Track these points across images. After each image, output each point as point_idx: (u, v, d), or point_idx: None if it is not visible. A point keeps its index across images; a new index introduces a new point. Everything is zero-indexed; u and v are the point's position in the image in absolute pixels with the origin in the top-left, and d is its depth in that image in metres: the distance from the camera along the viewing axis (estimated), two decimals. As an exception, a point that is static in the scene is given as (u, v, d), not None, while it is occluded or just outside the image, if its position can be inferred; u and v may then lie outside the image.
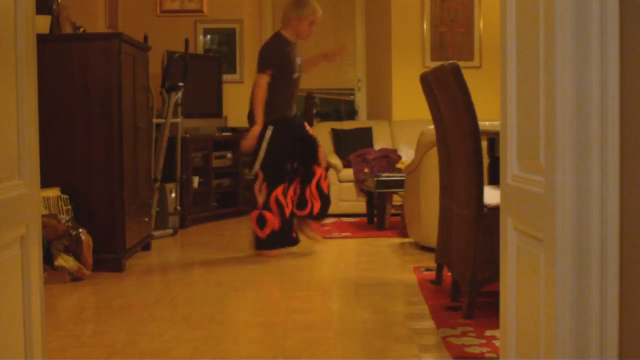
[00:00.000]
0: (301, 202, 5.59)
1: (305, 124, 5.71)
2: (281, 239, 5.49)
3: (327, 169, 5.69)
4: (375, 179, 6.67)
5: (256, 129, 5.39)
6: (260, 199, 5.40)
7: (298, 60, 5.52)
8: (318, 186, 5.55)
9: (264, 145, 5.39)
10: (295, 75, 5.50)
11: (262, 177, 5.41)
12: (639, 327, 1.59)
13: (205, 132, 7.59)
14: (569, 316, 1.67)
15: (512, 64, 2.07)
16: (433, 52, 8.35)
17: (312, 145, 5.57)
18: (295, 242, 5.60)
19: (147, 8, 8.23)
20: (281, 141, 5.43)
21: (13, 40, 2.03)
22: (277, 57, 5.43)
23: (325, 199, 5.61)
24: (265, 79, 5.35)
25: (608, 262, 1.65)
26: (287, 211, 5.45)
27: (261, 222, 5.42)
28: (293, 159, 5.56)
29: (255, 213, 5.44)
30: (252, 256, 5.56)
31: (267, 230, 5.42)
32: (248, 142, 5.44)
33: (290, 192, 5.53)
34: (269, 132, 5.39)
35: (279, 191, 5.41)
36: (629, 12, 1.60)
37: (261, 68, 5.41)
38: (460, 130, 3.72)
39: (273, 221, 5.42)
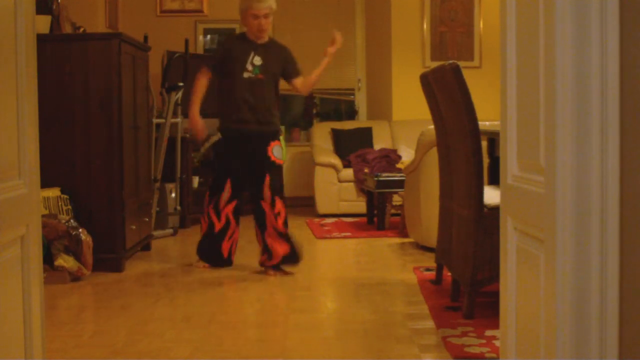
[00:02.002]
0: (266, 251, 4.94)
1: (271, 146, 4.91)
2: (207, 252, 5.13)
3: (281, 204, 4.88)
4: (375, 179, 6.68)
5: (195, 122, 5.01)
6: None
7: (257, 60, 4.86)
8: (274, 227, 4.87)
9: (206, 145, 4.97)
10: (245, 75, 4.83)
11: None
12: (639, 327, 1.59)
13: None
14: (569, 316, 1.67)
15: (512, 63, 2.07)
16: (433, 52, 8.35)
17: (263, 172, 4.87)
18: (223, 263, 5.11)
19: (147, 8, 8.23)
20: (223, 155, 5.00)
21: (13, 40, 2.03)
22: (218, 52, 5.13)
23: (285, 238, 4.87)
24: (201, 74, 4.96)
25: (608, 262, 1.65)
26: (216, 227, 4.99)
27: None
28: (238, 177, 4.95)
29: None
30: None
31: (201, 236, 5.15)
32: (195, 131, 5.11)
33: (228, 209, 4.98)
34: (213, 138, 4.93)
35: (214, 203, 4.97)
36: (629, 14, 1.60)
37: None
38: (460, 130, 3.72)
39: (203, 229, 5.09)
